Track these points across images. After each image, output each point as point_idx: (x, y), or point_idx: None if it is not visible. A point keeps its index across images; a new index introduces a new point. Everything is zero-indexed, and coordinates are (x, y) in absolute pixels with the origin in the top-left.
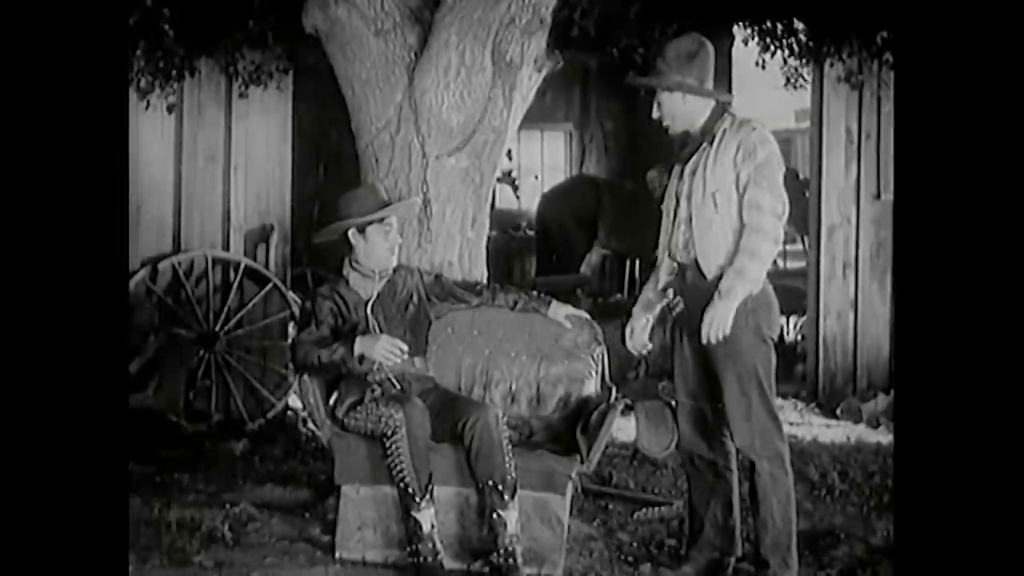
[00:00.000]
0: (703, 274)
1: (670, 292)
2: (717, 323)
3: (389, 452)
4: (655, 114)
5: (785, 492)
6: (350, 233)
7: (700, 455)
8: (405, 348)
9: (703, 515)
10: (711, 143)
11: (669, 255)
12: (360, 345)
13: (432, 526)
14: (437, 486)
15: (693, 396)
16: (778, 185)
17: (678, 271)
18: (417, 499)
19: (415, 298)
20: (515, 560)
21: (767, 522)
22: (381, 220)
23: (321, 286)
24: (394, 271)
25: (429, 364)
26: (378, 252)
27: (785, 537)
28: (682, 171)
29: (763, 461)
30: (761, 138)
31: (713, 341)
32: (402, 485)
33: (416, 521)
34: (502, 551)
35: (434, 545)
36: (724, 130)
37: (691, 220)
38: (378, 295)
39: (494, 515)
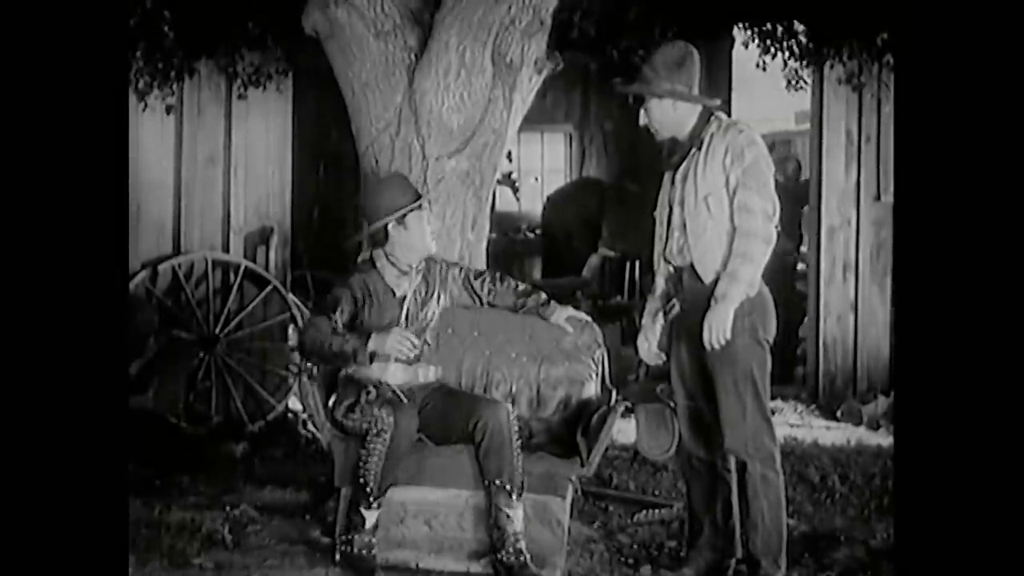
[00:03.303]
0: (700, 278)
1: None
2: (716, 328)
3: (365, 447)
4: (642, 121)
5: (775, 493)
6: (390, 226)
7: (699, 457)
8: (417, 342)
9: (702, 517)
10: (699, 148)
11: (665, 260)
12: (374, 342)
13: (375, 526)
14: (437, 488)
15: (691, 398)
16: (768, 186)
17: (674, 275)
18: (371, 499)
19: (442, 299)
20: (524, 558)
21: (757, 523)
22: (420, 207)
23: (353, 276)
24: (427, 266)
25: (439, 371)
26: (420, 239)
27: (775, 538)
28: (673, 177)
29: (755, 462)
30: (748, 140)
31: (716, 346)
32: (361, 481)
33: (361, 516)
34: (511, 549)
35: (371, 540)
36: (712, 134)
37: (685, 226)
38: (412, 292)
39: (503, 514)
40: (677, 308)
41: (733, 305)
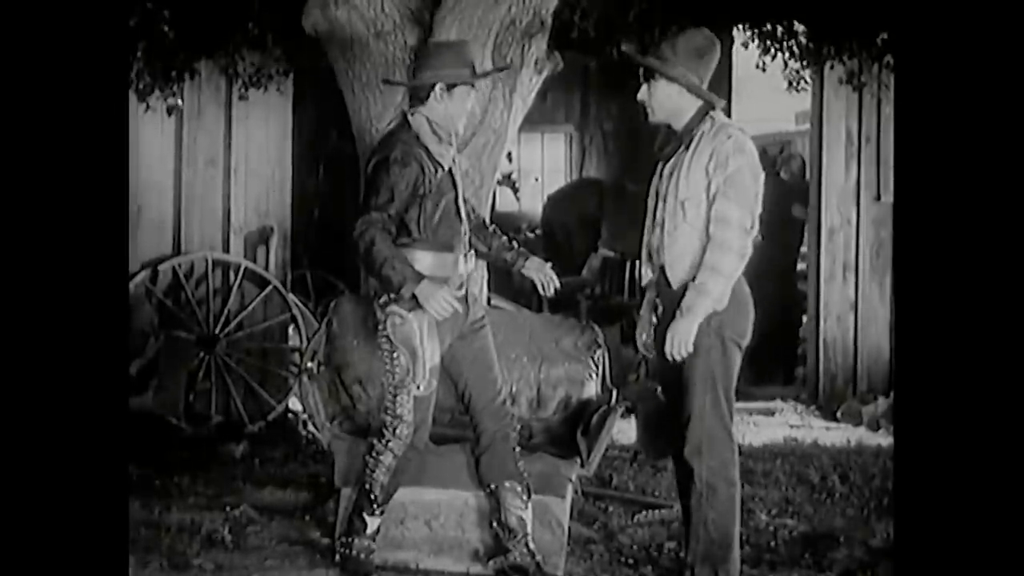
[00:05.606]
0: (668, 282)
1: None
2: (679, 340)
3: (375, 452)
4: (641, 96)
5: (726, 506)
6: (438, 88)
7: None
8: (459, 308)
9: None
10: (688, 148)
11: (648, 253)
12: (422, 288)
13: (377, 530)
14: (437, 488)
15: (672, 398)
16: (748, 198)
17: (657, 271)
18: (376, 507)
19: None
20: (538, 558)
21: (698, 531)
22: (472, 85)
23: (397, 149)
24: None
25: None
26: (456, 114)
27: (720, 549)
28: (662, 170)
29: (703, 469)
30: (736, 147)
31: (677, 358)
32: (367, 488)
33: (364, 522)
34: (524, 550)
35: (371, 544)
36: (702, 134)
37: (664, 224)
38: (456, 165)
39: (513, 516)
40: (659, 307)
41: (698, 319)
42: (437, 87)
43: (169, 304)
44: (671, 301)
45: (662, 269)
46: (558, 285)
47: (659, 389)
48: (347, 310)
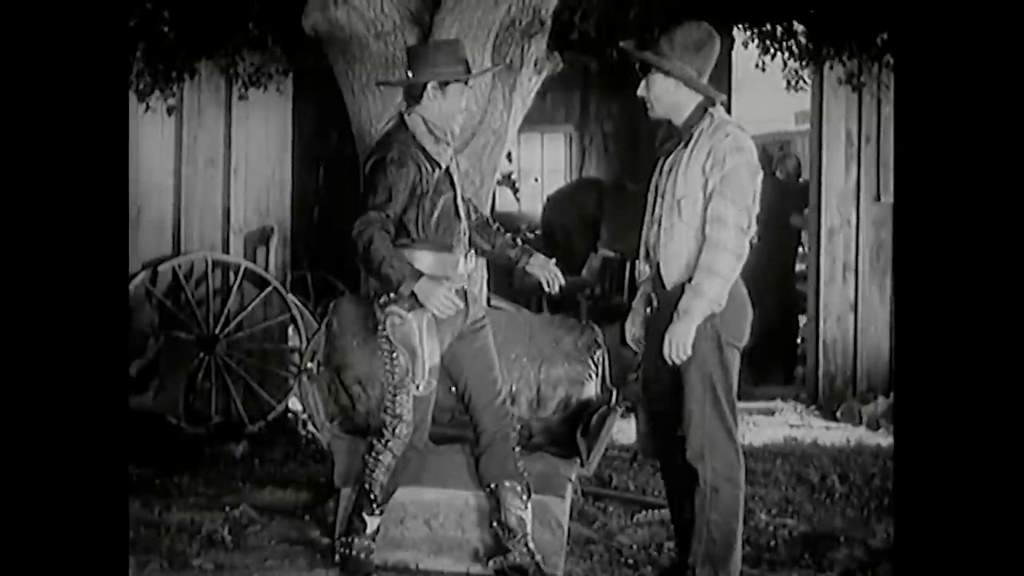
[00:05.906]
0: (662, 282)
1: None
2: (676, 343)
3: (375, 452)
4: (640, 91)
5: (729, 507)
6: (430, 86)
7: (669, 459)
8: (461, 306)
9: (685, 518)
10: (686, 144)
11: (645, 250)
12: (421, 286)
13: (376, 530)
14: (437, 488)
15: (656, 398)
16: (745, 197)
17: (653, 268)
18: (375, 507)
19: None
20: (537, 558)
21: (701, 534)
22: (465, 82)
23: (394, 149)
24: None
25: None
26: (451, 112)
27: (723, 550)
28: (662, 166)
29: (708, 471)
30: (734, 145)
31: (677, 361)
32: (367, 487)
33: (363, 521)
34: (524, 549)
35: (371, 544)
36: (701, 131)
37: (661, 222)
38: (454, 163)
39: (513, 515)
40: (655, 303)
41: (695, 321)
42: (430, 86)
43: (169, 304)
44: (665, 299)
45: (658, 266)
46: (563, 282)
47: (636, 378)
48: (347, 310)
